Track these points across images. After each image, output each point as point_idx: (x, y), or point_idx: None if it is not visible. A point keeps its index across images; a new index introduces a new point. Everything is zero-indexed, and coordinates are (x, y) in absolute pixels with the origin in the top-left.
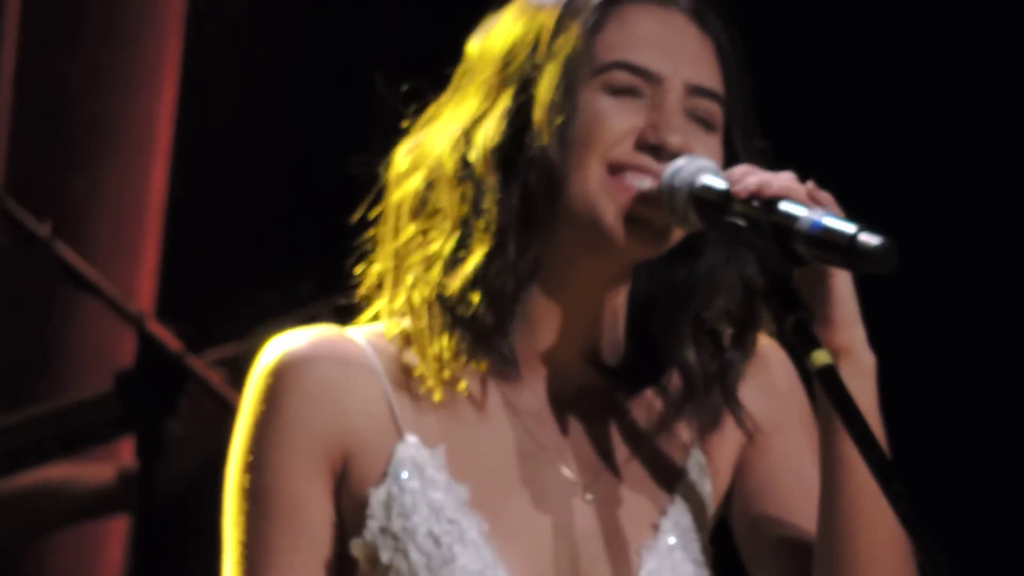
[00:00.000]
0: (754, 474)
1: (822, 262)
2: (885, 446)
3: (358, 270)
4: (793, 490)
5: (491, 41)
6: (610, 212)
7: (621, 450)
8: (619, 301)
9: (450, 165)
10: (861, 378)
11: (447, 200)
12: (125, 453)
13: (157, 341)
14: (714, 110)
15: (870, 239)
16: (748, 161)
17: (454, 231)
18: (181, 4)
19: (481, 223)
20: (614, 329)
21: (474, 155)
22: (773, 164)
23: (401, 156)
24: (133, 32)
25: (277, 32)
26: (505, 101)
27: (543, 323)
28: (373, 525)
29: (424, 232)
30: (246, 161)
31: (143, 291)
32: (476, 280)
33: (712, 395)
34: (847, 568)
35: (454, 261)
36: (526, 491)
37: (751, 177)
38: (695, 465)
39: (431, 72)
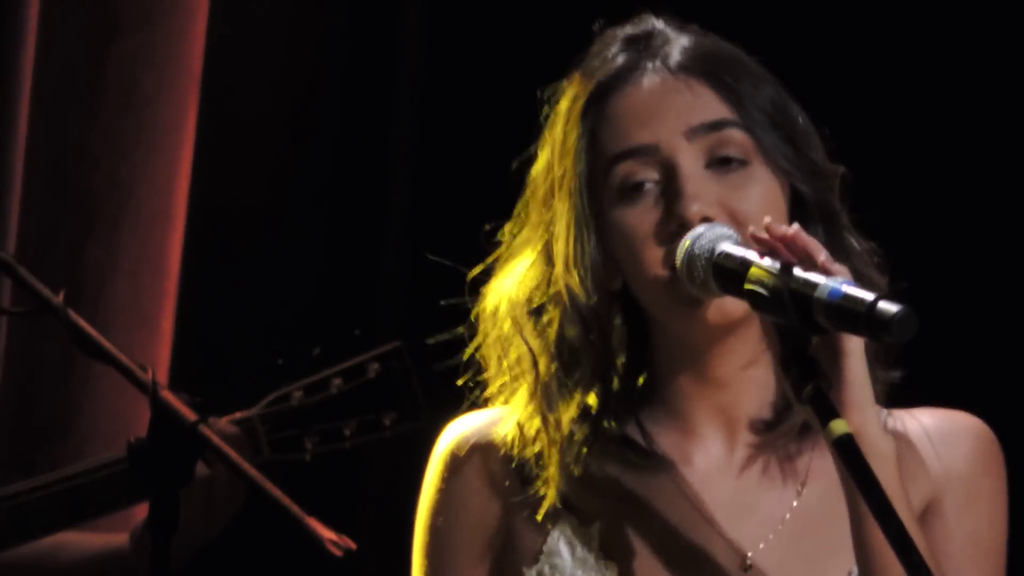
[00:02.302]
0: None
1: (841, 331)
2: (909, 521)
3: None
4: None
5: (539, 161)
6: (668, 311)
7: (788, 525)
8: (749, 361)
9: (520, 317)
10: (877, 462)
11: (528, 346)
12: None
13: (172, 411)
14: (734, 139)
15: (889, 307)
16: (798, 171)
17: (539, 374)
18: (198, 70)
19: (564, 362)
20: (758, 388)
21: (521, 309)
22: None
23: (490, 300)
24: (150, 99)
25: (295, 100)
26: (554, 240)
27: (683, 408)
28: None
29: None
30: (263, 230)
31: (159, 360)
32: (588, 421)
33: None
34: None
35: (537, 406)
36: (684, 568)
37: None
38: None
39: (449, 138)
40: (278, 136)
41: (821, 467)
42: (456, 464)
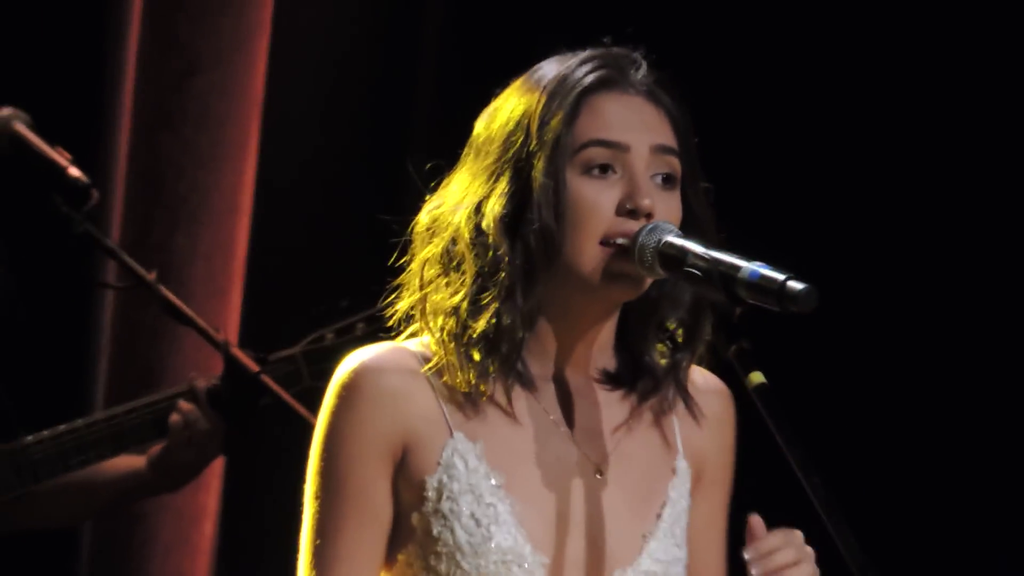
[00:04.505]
0: (694, 514)
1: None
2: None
3: (390, 308)
4: (711, 548)
5: (494, 126)
6: (601, 273)
7: (622, 446)
8: (610, 324)
9: (467, 232)
10: None
11: (466, 259)
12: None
13: (238, 362)
14: (675, 164)
15: (796, 285)
16: (696, 201)
17: (472, 284)
18: (260, 97)
19: (495, 278)
20: (607, 344)
21: (485, 224)
22: (714, 202)
23: (424, 217)
24: (222, 119)
25: (341, 123)
26: (506, 181)
27: (552, 346)
28: (428, 505)
29: (447, 283)
30: (309, 221)
31: (229, 324)
32: (493, 321)
33: (689, 409)
34: None
35: (473, 307)
36: (549, 473)
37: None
38: (682, 468)
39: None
40: (326, 150)
41: (631, 404)
42: (361, 387)
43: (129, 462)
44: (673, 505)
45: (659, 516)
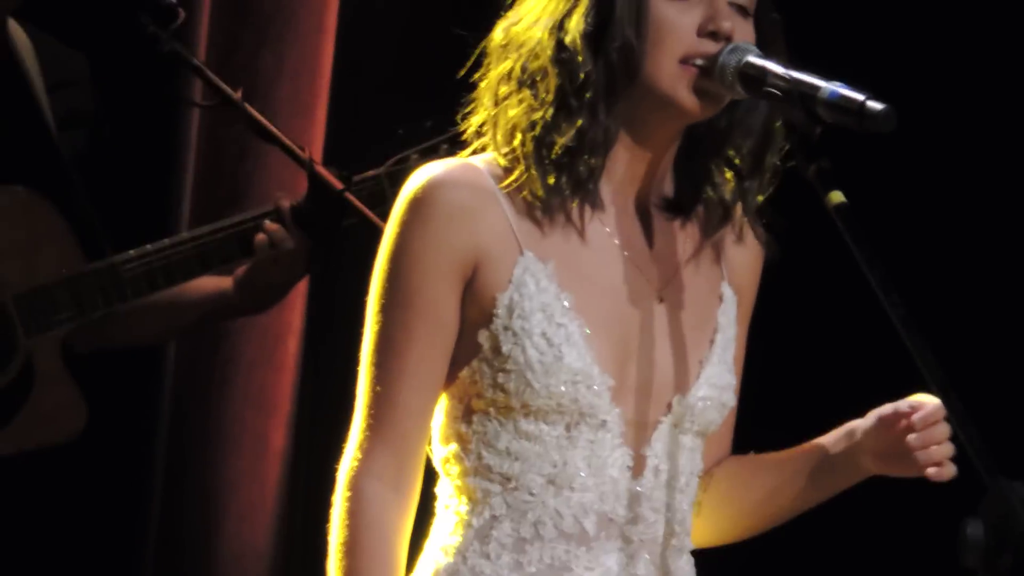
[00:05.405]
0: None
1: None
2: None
3: (465, 122)
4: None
5: None
6: (681, 90)
7: (681, 273)
8: (674, 150)
9: (549, 49)
10: None
11: (548, 75)
12: None
13: (323, 181)
14: None
15: (876, 104)
16: (769, 30)
17: (554, 100)
18: None
19: (578, 94)
20: (669, 171)
21: (569, 41)
22: (786, 35)
23: (499, 34)
24: None
25: None
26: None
27: (622, 169)
28: (498, 322)
29: (521, 99)
30: (395, 40)
31: (314, 143)
32: (574, 137)
33: (756, 237)
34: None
35: (554, 123)
36: (615, 297)
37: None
38: (728, 294)
39: None
40: None
41: (689, 231)
42: (434, 201)
43: (215, 282)
44: (723, 332)
45: (712, 342)
